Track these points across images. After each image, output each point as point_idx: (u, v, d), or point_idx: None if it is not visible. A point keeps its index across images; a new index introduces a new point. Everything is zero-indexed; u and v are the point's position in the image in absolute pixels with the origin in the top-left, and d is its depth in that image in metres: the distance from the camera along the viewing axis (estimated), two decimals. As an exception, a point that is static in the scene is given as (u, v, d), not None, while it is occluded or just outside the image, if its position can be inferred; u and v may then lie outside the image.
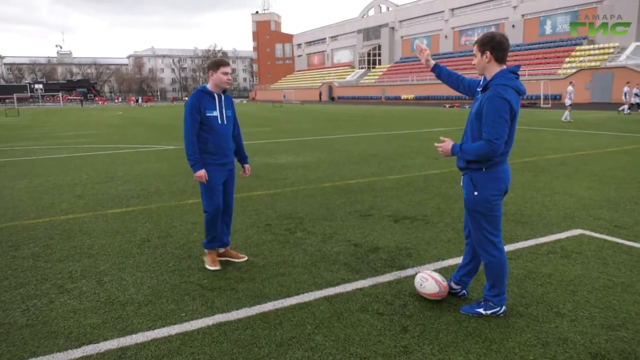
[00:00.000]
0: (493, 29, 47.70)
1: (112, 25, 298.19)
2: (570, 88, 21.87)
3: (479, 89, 3.08)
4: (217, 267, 4.21)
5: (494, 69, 3.00)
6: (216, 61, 4.09)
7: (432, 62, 3.44)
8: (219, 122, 4.08)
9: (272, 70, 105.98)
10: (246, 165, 4.52)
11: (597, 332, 2.99)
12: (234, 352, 2.86)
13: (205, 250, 4.35)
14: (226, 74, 4.06)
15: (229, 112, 4.18)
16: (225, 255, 4.41)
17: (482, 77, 3.13)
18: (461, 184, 3.33)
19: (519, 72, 3.02)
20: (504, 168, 3.08)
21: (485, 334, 2.99)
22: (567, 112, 21.06)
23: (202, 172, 4.03)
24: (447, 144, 3.16)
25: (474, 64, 3.12)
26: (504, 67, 3.01)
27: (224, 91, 4.18)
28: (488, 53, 2.99)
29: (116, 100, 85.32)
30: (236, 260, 4.38)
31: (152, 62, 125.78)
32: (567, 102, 21.53)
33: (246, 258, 4.43)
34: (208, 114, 4.03)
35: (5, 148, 14.86)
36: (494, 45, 2.96)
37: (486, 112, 2.89)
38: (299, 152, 12.18)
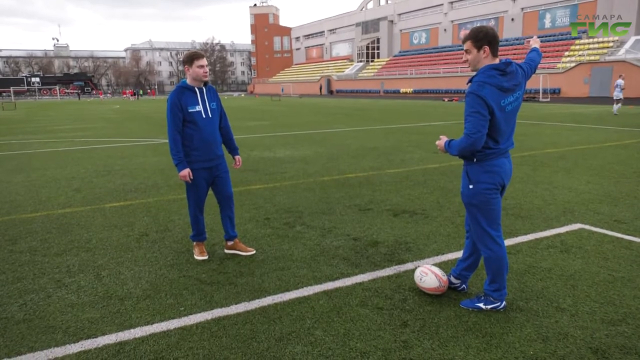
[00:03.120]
0: (492, 22, 47.23)
1: (108, 18, 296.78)
2: (620, 81, 20.65)
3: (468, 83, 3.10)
4: (205, 257, 4.29)
5: (487, 63, 2.98)
6: (190, 55, 3.98)
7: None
8: (203, 116, 4.01)
9: (270, 64, 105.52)
10: (237, 157, 4.46)
11: (598, 327, 2.98)
12: (233, 346, 2.85)
13: (193, 243, 4.43)
14: (201, 67, 3.94)
15: (213, 105, 4.09)
16: (234, 248, 4.41)
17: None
18: None
19: (507, 69, 2.95)
20: (499, 162, 3.06)
21: (485, 329, 2.99)
22: (616, 105, 20.66)
23: (186, 172, 3.99)
24: (442, 140, 3.18)
25: (465, 60, 3.09)
26: (496, 60, 2.99)
27: (205, 83, 4.09)
28: (487, 48, 2.96)
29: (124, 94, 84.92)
30: (244, 253, 4.37)
31: (150, 55, 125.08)
32: (618, 95, 20.43)
33: (254, 251, 4.41)
34: (190, 110, 3.95)
35: (1, 142, 14.79)
36: (490, 39, 2.95)
37: (465, 108, 2.95)
38: (297, 146, 12.14)
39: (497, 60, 2.99)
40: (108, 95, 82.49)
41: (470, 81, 3.02)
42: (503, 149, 3.04)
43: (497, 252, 3.14)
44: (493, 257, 3.15)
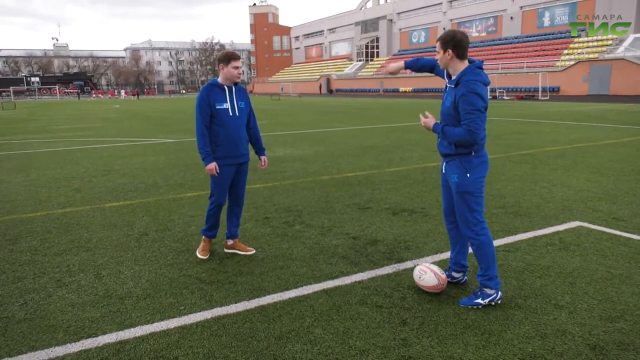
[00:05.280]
0: (491, 21, 47.09)
1: (107, 17, 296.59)
2: None
3: (450, 84, 3.26)
4: (206, 257, 4.32)
5: (457, 65, 3.22)
6: (227, 55, 4.07)
7: (401, 64, 3.77)
8: (230, 114, 4.08)
9: (269, 63, 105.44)
10: (263, 157, 4.50)
11: (596, 323, 3.00)
12: (233, 345, 2.86)
13: (203, 237, 4.44)
14: (237, 68, 4.06)
15: (241, 104, 4.17)
16: (234, 248, 4.43)
17: (445, 70, 3.36)
18: (443, 170, 3.44)
19: (483, 67, 3.28)
20: (485, 152, 3.31)
21: (484, 326, 3.00)
22: None
23: (212, 165, 4.04)
24: (430, 120, 3.39)
25: (437, 59, 3.36)
26: (466, 62, 3.22)
27: (236, 83, 4.17)
28: (450, 51, 3.19)
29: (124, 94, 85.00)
30: (244, 253, 4.38)
31: (149, 55, 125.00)
32: None
33: (254, 251, 4.43)
34: (218, 107, 4.04)
35: (1, 141, 14.79)
36: (455, 44, 3.18)
37: (463, 106, 3.12)
38: (297, 145, 12.15)
39: (465, 62, 3.22)
40: (100, 96, 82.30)
41: (457, 82, 3.16)
42: (485, 138, 3.27)
43: (488, 236, 3.30)
44: (486, 242, 3.27)
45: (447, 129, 3.22)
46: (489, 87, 3.27)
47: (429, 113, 3.44)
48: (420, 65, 3.74)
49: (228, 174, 4.18)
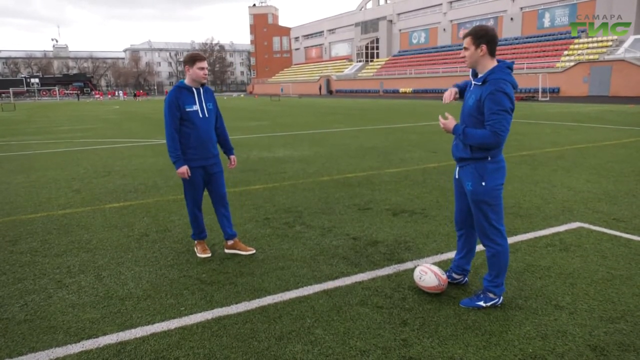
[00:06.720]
0: (491, 22, 47.13)
1: (107, 19, 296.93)
2: None
3: (476, 82, 3.09)
4: (208, 254, 4.35)
5: (488, 62, 3.05)
6: (192, 56, 4.06)
7: (454, 90, 3.39)
8: (200, 116, 4.09)
9: (269, 64, 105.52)
10: (232, 157, 4.53)
11: (596, 324, 3.00)
12: (234, 346, 2.86)
13: (195, 242, 4.48)
14: (202, 68, 4.04)
15: (209, 105, 4.18)
16: (234, 248, 4.44)
17: (472, 69, 3.18)
18: (456, 176, 3.34)
19: (513, 68, 3.13)
20: (503, 157, 3.16)
21: (484, 327, 3.00)
22: None
23: (184, 169, 4.07)
24: (450, 122, 3.21)
25: (463, 57, 3.14)
26: (495, 60, 3.07)
27: (203, 84, 4.17)
28: (484, 46, 3.02)
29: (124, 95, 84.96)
30: (244, 252, 4.39)
31: (149, 56, 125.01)
32: None
33: (254, 251, 4.43)
34: (188, 109, 4.04)
35: (1, 143, 14.79)
36: (489, 39, 3.02)
37: (490, 106, 2.95)
38: (296, 146, 12.15)
39: (494, 60, 3.06)
40: (101, 97, 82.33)
41: (485, 80, 3.01)
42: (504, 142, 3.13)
43: (504, 246, 3.21)
44: (502, 252, 3.20)
45: (469, 130, 3.06)
46: None
47: (449, 114, 3.27)
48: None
49: (200, 176, 4.22)
